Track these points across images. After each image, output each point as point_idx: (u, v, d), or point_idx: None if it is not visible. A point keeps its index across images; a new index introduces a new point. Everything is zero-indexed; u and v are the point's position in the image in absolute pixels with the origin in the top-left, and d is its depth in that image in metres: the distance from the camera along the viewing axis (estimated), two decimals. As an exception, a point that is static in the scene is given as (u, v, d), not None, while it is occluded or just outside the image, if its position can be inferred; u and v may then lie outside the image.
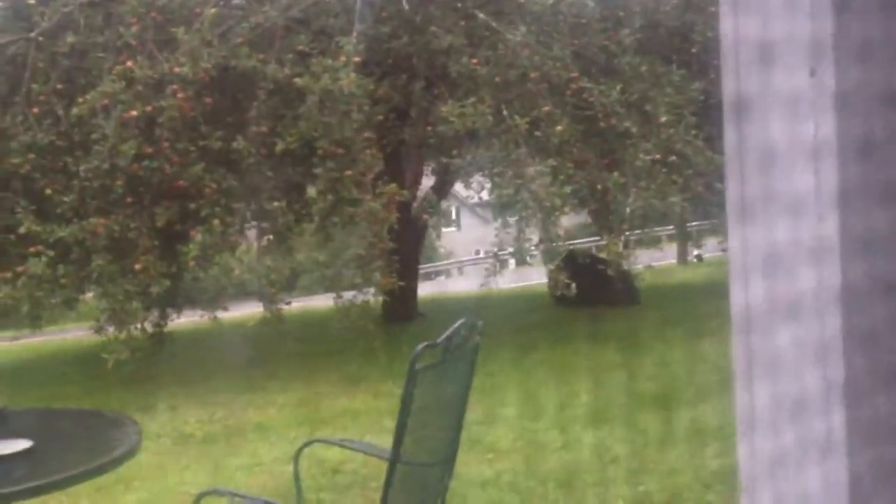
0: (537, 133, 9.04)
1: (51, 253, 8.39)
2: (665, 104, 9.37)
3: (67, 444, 3.35)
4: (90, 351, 9.50)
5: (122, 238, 8.41)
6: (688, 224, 17.95)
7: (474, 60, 8.97)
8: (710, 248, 17.21)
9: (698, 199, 9.77)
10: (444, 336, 3.27)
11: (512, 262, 17.57)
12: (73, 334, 13.56)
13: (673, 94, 9.50)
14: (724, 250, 10.95)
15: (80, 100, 8.25)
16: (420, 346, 3.10)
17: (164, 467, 6.02)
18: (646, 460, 5.41)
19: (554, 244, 9.04)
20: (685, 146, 9.27)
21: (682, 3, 10.57)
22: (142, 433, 3.30)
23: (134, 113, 8.16)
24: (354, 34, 8.77)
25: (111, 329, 8.40)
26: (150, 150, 8.36)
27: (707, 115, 9.74)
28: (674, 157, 9.30)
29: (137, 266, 8.31)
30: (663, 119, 9.28)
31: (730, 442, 5.40)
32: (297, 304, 11.63)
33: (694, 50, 10.35)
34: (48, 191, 8.67)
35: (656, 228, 21.18)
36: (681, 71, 9.81)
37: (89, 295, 10.02)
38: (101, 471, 3.03)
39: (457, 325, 3.35)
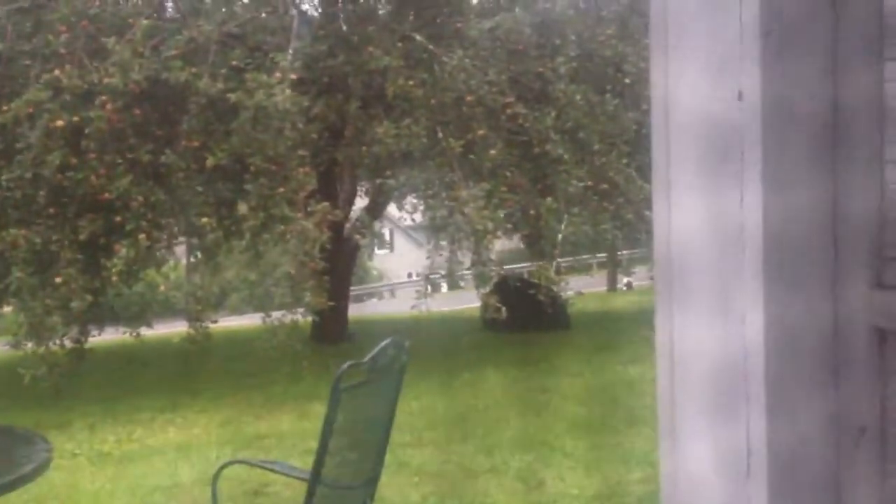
0: (471, 156, 9.07)
1: (-32, 264, 8.11)
2: (598, 132, 9.49)
3: (-27, 460, 3.21)
4: (6, 366, 9.20)
5: (43, 250, 8.17)
6: (618, 252, 18.20)
7: (411, 82, 8.97)
8: (639, 276, 17.44)
9: (629, 226, 9.90)
10: (369, 356, 3.22)
11: (444, 285, 17.59)
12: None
13: (606, 123, 9.62)
14: (652, 279, 11.10)
15: (5, 108, 8.02)
16: (344, 365, 3.05)
17: (78, 487, 5.83)
18: (570, 485, 5.40)
19: (486, 268, 9.05)
20: (617, 174, 9.39)
21: (617, 34, 10.73)
22: (52, 451, 3.18)
23: (60, 123, 7.95)
24: (291, 51, 8.70)
25: (29, 344, 8.14)
26: (75, 160, 8.16)
27: (639, 144, 9.89)
28: (606, 185, 9.41)
29: (58, 279, 8.07)
30: (596, 147, 9.39)
31: (653, 469, 5.43)
32: (225, 323, 11.45)
33: (627, 80, 10.50)
34: (-33, 200, 8.39)
35: (587, 256, 21.52)
36: (614, 101, 9.95)
37: (8, 309, 9.72)
38: (8, 488, 2.90)
39: (383, 344, 3.30)
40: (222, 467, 3.82)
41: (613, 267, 21.02)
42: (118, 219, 8.45)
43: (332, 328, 11.32)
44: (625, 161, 9.49)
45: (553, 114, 9.30)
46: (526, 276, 11.60)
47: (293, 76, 8.41)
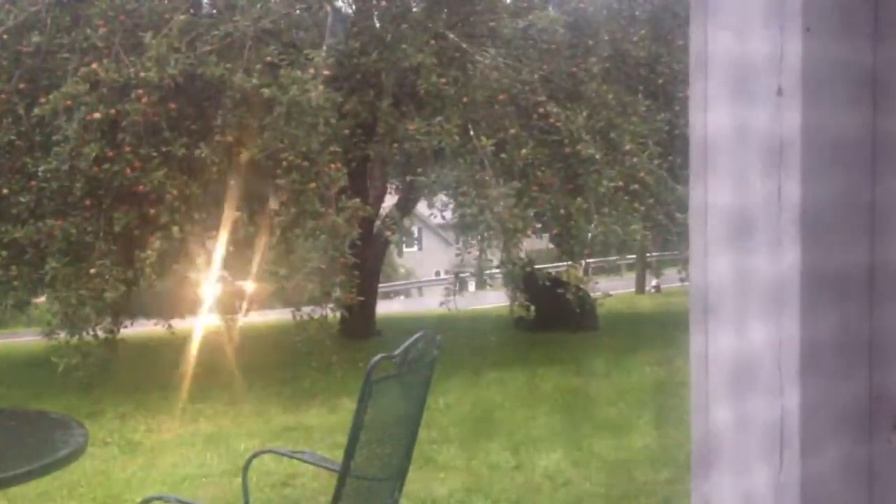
0: (503, 155, 9.08)
1: (4, 253, 8.24)
2: (630, 132, 9.46)
3: (11, 443, 3.27)
4: (40, 355, 9.32)
5: (78, 241, 8.29)
6: (648, 254, 18.12)
7: (443, 80, 9.00)
8: (668, 279, 17.33)
9: (659, 228, 9.85)
10: (401, 349, 3.24)
11: (472, 283, 17.58)
12: (23, 339, 13.30)
13: (638, 123, 9.59)
14: (682, 280, 11.04)
15: (43, 100, 8.14)
16: (376, 358, 3.07)
17: (109, 475, 5.91)
18: (597, 484, 5.40)
19: (515, 267, 9.05)
20: (648, 175, 9.35)
21: (650, 35, 10.70)
22: (88, 436, 3.23)
23: (97, 115, 8.07)
24: (324, 48, 8.75)
25: (63, 333, 8.25)
26: (111, 153, 8.27)
27: (671, 145, 9.85)
28: (636, 186, 9.37)
29: (92, 270, 8.18)
30: (628, 147, 9.36)
31: (680, 468, 5.42)
32: (254, 317, 11.52)
33: (660, 81, 10.47)
34: (5, 190, 8.54)
35: (616, 258, 21.44)
36: (646, 101, 9.91)
37: (41, 299, 9.85)
38: (44, 471, 2.95)
39: (414, 338, 3.32)
40: (253, 456, 3.85)
41: (643, 269, 20.91)
42: (152, 211, 8.56)
43: (360, 324, 11.36)
44: (656, 162, 9.45)
45: (585, 113, 9.29)
46: (554, 273, 11.59)
47: (326, 72, 8.47)
